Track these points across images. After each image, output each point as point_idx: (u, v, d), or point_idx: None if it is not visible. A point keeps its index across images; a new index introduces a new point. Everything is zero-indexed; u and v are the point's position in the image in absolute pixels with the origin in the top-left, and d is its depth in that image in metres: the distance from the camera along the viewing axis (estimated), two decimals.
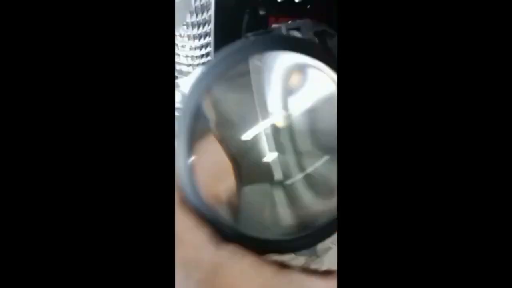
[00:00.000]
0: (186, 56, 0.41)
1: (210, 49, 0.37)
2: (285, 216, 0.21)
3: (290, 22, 0.22)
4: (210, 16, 0.31)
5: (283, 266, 0.17)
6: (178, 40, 0.38)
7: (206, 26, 0.36)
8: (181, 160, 0.17)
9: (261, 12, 0.30)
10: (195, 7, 0.34)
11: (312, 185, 0.21)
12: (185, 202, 0.18)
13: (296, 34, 0.21)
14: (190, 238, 0.17)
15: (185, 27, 0.37)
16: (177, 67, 0.42)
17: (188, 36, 0.37)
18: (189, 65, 0.42)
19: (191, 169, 0.17)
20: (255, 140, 0.20)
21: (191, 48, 0.39)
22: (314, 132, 0.21)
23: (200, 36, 0.38)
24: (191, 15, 0.35)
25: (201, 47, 0.39)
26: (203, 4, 0.33)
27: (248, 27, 0.32)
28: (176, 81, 0.42)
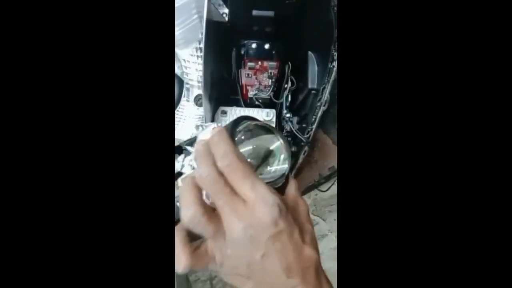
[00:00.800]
0: (196, 69, 0.53)
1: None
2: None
3: None
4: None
5: None
6: (189, 58, 0.51)
7: None
8: None
9: (242, 52, 0.41)
10: (201, 38, 0.46)
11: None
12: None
13: None
14: None
15: (195, 49, 0.49)
16: (187, 76, 0.54)
17: (196, 56, 0.50)
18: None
19: None
20: None
21: (198, 64, 0.52)
22: None
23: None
24: (199, 43, 0.47)
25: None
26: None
27: (235, 61, 0.43)
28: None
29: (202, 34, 0.47)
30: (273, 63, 0.42)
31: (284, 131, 0.47)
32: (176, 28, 0.46)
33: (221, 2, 0.39)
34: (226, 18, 0.40)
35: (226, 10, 0.40)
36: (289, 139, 0.47)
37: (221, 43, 0.42)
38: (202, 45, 0.48)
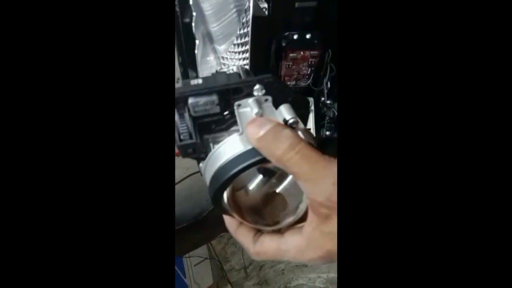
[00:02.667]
0: (234, 65, 0.54)
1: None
2: None
3: None
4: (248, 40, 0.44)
5: None
6: (227, 54, 0.52)
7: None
8: None
9: (283, 44, 0.42)
10: (238, 33, 0.47)
11: None
12: None
13: None
14: None
15: (232, 45, 0.50)
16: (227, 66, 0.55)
17: (233, 52, 0.51)
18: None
19: None
20: None
21: (235, 59, 0.53)
22: None
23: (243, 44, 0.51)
24: (236, 38, 0.48)
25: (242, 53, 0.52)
26: (246, 32, 0.46)
27: (275, 53, 0.44)
28: None
29: (240, 29, 0.48)
30: (315, 52, 0.42)
31: (327, 117, 0.48)
32: (214, 24, 0.47)
33: None
34: (266, 12, 0.41)
35: (266, 5, 0.41)
36: (332, 125, 0.48)
37: (262, 37, 0.43)
38: (240, 41, 0.49)
